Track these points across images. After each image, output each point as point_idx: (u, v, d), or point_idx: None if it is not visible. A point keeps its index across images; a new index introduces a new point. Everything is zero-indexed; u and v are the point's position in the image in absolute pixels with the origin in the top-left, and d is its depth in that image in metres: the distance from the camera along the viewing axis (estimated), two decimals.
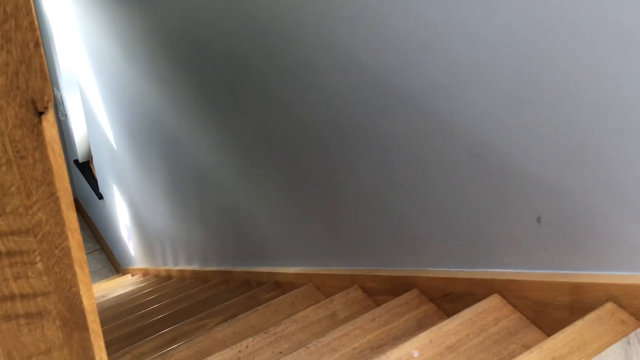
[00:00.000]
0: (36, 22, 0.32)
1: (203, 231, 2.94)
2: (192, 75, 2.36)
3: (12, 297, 0.39)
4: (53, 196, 0.38)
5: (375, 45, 1.37)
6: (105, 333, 2.60)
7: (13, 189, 0.36)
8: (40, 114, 0.35)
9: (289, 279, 2.24)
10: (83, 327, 0.44)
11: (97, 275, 4.90)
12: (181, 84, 2.48)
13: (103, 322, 2.92)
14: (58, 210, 0.38)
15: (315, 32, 1.54)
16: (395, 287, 1.72)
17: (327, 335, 1.61)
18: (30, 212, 0.37)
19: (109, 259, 5.05)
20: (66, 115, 4.73)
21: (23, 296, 0.40)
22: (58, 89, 4.69)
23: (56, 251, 0.40)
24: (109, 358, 2.16)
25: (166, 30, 2.42)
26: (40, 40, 0.33)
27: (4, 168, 0.35)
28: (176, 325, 2.27)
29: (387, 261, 1.74)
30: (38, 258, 0.39)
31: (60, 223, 0.39)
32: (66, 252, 0.40)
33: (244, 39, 1.86)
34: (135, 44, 2.79)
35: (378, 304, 1.81)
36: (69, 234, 0.40)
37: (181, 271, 3.40)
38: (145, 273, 4.11)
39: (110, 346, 2.39)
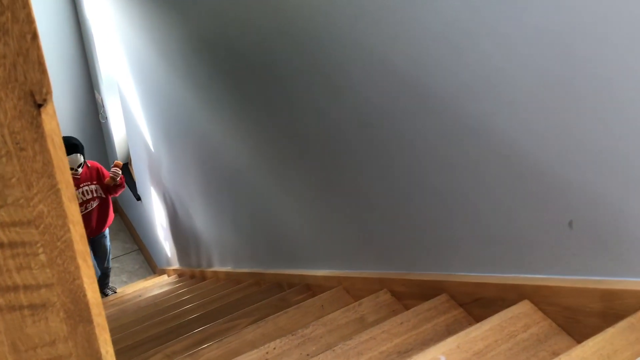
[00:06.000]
0: (33, 15, 0.33)
1: (236, 233, 2.96)
2: (225, 78, 2.38)
3: (15, 288, 0.40)
4: (54, 188, 0.38)
5: (405, 46, 1.36)
6: (139, 332, 2.64)
7: (14, 180, 0.36)
8: (40, 106, 0.35)
9: (319, 282, 2.24)
10: (87, 320, 0.44)
11: (135, 275, 4.98)
12: (215, 87, 2.50)
13: (138, 322, 2.96)
14: (59, 203, 0.39)
15: (346, 34, 1.53)
16: (424, 291, 1.69)
17: (354, 338, 1.59)
18: (31, 204, 0.38)
19: (146, 260, 5.13)
20: (106, 117, 4.84)
21: (26, 287, 0.40)
22: (99, 92, 4.79)
23: (58, 243, 0.40)
24: (141, 357, 2.19)
25: (201, 35, 2.45)
26: (37, 33, 0.33)
27: (4, 159, 0.35)
28: (208, 325, 2.29)
29: (417, 265, 1.72)
30: (40, 250, 0.40)
31: (61, 215, 0.39)
32: (68, 245, 0.40)
33: (276, 42, 1.87)
34: (172, 48, 2.83)
35: (407, 308, 1.79)
36: (71, 226, 0.40)
37: (215, 272, 3.43)
38: (180, 274, 4.16)
39: (143, 345, 2.43)
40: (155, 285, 4.20)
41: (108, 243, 3.90)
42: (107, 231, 3.82)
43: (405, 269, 1.79)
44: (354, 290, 2.04)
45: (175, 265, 4.30)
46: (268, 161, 2.28)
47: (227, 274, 3.22)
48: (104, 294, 4.22)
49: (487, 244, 1.42)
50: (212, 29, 2.33)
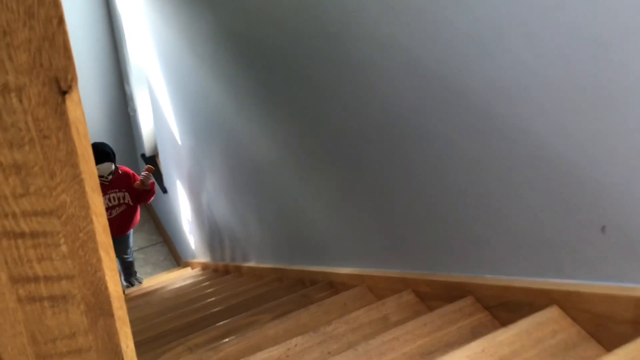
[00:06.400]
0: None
1: (260, 228, 2.96)
2: (253, 73, 2.37)
3: (35, 279, 0.39)
4: (77, 178, 0.37)
5: (434, 45, 1.33)
6: (161, 324, 2.65)
7: (36, 168, 0.35)
8: (64, 93, 0.34)
9: (342, 280, 2.22)
10: (108, 313, 0.43)
11: (159, 267, 5.02)
12: (242, 82, 2.50)
13: (160, 313, 2.98)
14: (83, 193, 0.38)
15: (374, 32, 1.51)
16: (450, 292, 1.67)
17: (377, 338, 1.58)
18: (54, 194, 0.37)
19: (171, 252, 5.17)
20: (135, 110, 4.88)
21: (47, 278, 0.39)
22: (128, 84, 4.84)
23: (81, 234, 0.39)
24: (163, 348, 2.20)
25: (230, 30, 2.44)
26: (64, 17, 0.32)
27: (27, 147, 0.35)
28: (229, 319, 2.29)
29: (442, 266, 1.70)
30: (62, 240, 0.39)
31: (85, 206, 0.38)
32: (91, 236, 0.39)
33: (304, 39, 1.86)
34: (201, 43, 2.84)
35: (431, 309, 1.76)
36: (94, 218, 0.39)
37: (238, 267, 3.44)
38: (204, 267, 4.18)
39: (165, 336, 2.44)
40: (179, 278, 4.22)
41: (131, 240, 3.88)
42: (130, 231, 3.82)
43: (429, 270, 1.76)
44: (378, 290, 2.02)
45: (200, 258, 4.32)
46: (294, 157, 2.27)
47: (250, 268, 3.23)
48: (130, 283, 4.23)
49: (515, 246, 1.39)
50: (242, 25, 2.32)
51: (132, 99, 4.87)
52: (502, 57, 1.17)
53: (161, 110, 4.12)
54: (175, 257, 5.10)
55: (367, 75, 1.61)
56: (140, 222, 5.35)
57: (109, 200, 3.35)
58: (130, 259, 4.08)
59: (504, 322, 1.48)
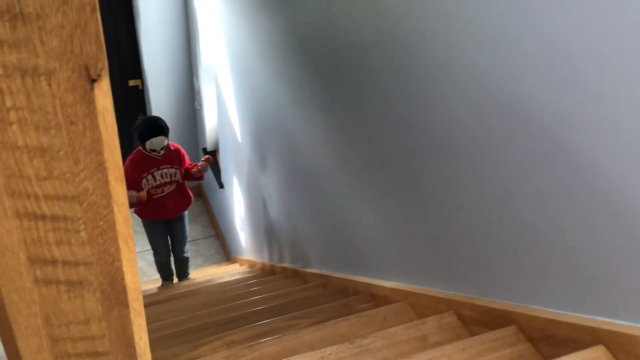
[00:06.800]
0: None
1: (309, 232, 2.96)
2: (316, 79, 2.38)
3: (53, 262, 0.39)
4: (101, 166, 0.37)
5: (503, 64, 1.29)
6: (204, 316, 2.69)
7: (61, 153, 0.36)
8: (93, 81, 0.34)
9: (385, 293, 2.19)
10: (124, 303, 0.43)
11: (209, 260, 5.10)
12: (306, 87, 2.51)
13: (204, 305, 3.03)
14: (105, 182, 0.38)
15: (441, 47, 1.48)
16: (493, 319, 1.62)
17: (412, 357, 1.54)
18: (77, 180, 0.37)
19: (222, 246, 5.25)
20: (201, 105, 4.99)
21: (65, 263, 0.40)
22: (197, 79, 4.95)
23: (101, 222, 0.39)
24: (202, 341, 2.23)
25: (299, 35, 2.46)
26: (97, 6, 0.32)
27: (53, 131, 0.35)
28: (269, 320, 2.30)
29: (488, 291, 1.65)
30: (82, 227, 0.39)
31: (106, 195, 0.38)
32: (111, 225, 0.40)
33: (370, 48, 1.85)
34: (269, 44, 2.87)
35: (472, 334, 1.71)
36: (115, 207, 0.39)
37: (284, 268, 3.45)
38: (251, 265, 4.22)
39: (206, 329, 2.47)
40: (227, 273, 4.28)
41: (186, 227, 3.82)
42: (186, 214, 3.77)
43: (475, 293, 1.71)
44: (420, 307, 1.98)
45: (248, 255, 4.37)
46: (350, 165, 2.26)
47: (296, 271, 3.23)
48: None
49: (566, 279, 1.33)
50: (310, 31, 2.34)
51: (199, 94, 4.98)
52: (574, 80, 1.13)
53: (225, 107, 4.19)
54: (226, 251, 5.17)
55: (431, 89, 1.58)
56: (195, 214, 5.45)
57: (162, 176, 3.33)
58: (186, 255, 3.98)
59: (547, 356, 1.43)
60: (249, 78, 3.40)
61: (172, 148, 3.37)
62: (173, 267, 4.07)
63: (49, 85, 0.33)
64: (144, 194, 3.23)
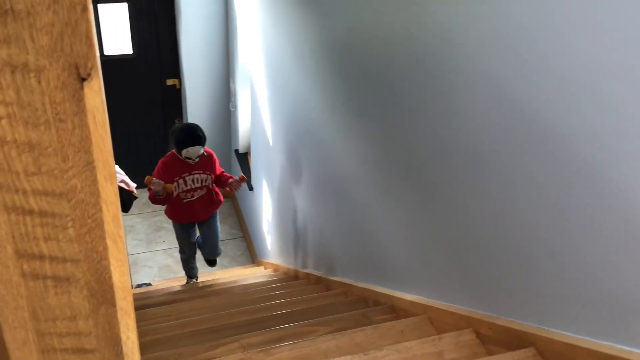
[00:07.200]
0: None
1: (335, 240, 2.95)
2: (348, 88, 2.38)
3: (41, 257, 0.40)
4: (90, 165, 0.37)
5: (530, 80, 1.27)
6: (223, 317, 2.70)
7: (49, 150, 0.36)
8: (83, 80, 0.34)
9: (405, 306, 2.17)
10: (111, 302, 0.43)
11: (235, 261, 5.13)
12: (338, 94, 2.51)
13: (225, 306, 3.04)
14: (94, 180, 0.38)
15: (470, 59, 1.46)
16: (511, 340, 1.58)
17: None
18: (65, 177, 0.37)
19: (248, 248, 5.28)
20: (236, 107, 5.03)
21: (52, 258, 0.40)
22: (233, 81, 5.00)
23: (89, 220, 0.39)
24: (219, 342, 2.24)
25: (334, 42, 2.46)
26: (88, 5, 0.32)
27: (42, 127, 0.35)
28: (287, 325, 2.29)
29: (507, 310, 1.61)
30: (70, 224, 0.39)
31: (95, 193, 0.38)
32: (99, 223, 0.40)
33: (401, 58, 1.84)
34: (305, 51, 2.88)
35: (489, 353, 1.68)
36: (104, 206, 0.39)
37: (307, 274, 3.45)
38: (276, 269, 4.23)
39: (224, 330, 2.48)
40: (251, 275, 4.29)
41: (218, 225, 3.81)
42: (217, 213, 3.75)
43: (495, 312, 1.68)
44: (438, 323, 1.95)
45: (274, 259, 4.38)
46: (377, 175, 2.25)
47: (319, 278, 3.23)
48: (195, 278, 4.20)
49: (588, 303, 1.30)
50: (344, 39, 2.34)
51: (234, 96, 5.02)
52: (600, 99, 1.10)
53: (259, 110, 4.22)
54: (252, 254, 5.19)
55: (459, 102, 1.56)
56: (224, 215, 5.49)
57: (193, 181, 3.34)
58: (219, 253, 3.97)
59: None
60: (284, 84, 3.41)
61: (206, 153, 3.36)
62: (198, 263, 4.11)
63: (39, 81, 0.34)
64: (171, 185, 3.25)
